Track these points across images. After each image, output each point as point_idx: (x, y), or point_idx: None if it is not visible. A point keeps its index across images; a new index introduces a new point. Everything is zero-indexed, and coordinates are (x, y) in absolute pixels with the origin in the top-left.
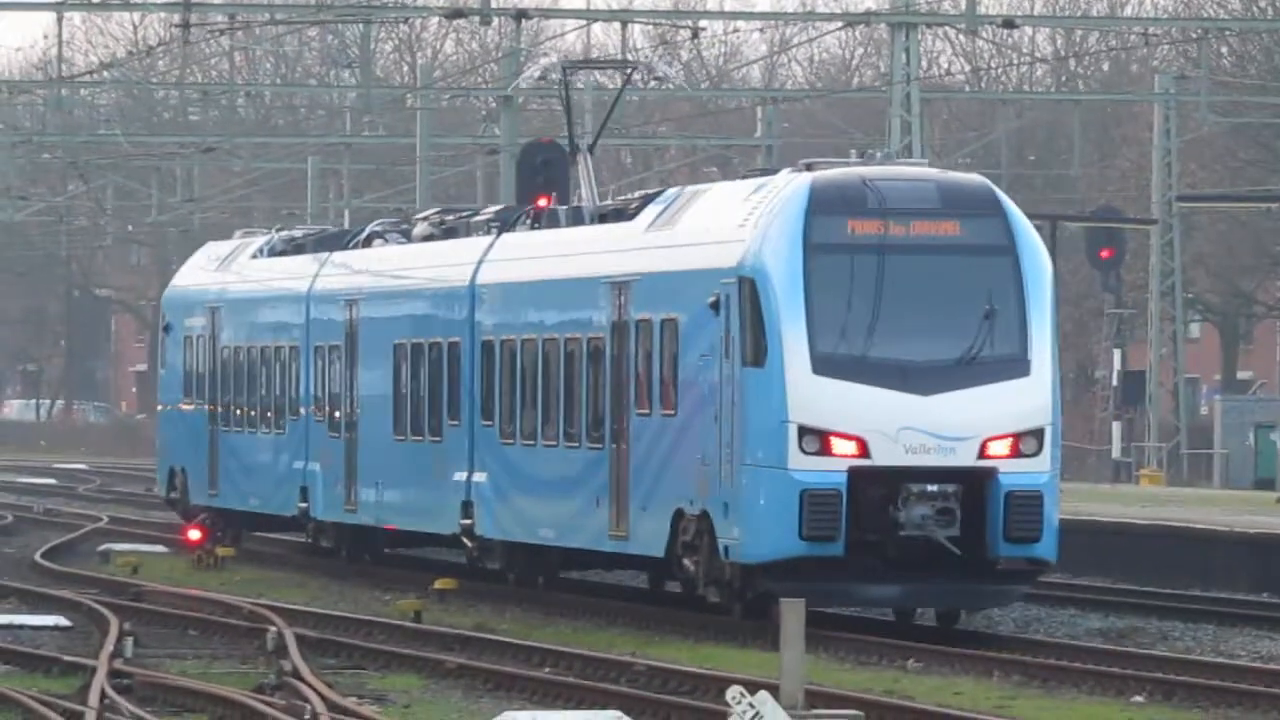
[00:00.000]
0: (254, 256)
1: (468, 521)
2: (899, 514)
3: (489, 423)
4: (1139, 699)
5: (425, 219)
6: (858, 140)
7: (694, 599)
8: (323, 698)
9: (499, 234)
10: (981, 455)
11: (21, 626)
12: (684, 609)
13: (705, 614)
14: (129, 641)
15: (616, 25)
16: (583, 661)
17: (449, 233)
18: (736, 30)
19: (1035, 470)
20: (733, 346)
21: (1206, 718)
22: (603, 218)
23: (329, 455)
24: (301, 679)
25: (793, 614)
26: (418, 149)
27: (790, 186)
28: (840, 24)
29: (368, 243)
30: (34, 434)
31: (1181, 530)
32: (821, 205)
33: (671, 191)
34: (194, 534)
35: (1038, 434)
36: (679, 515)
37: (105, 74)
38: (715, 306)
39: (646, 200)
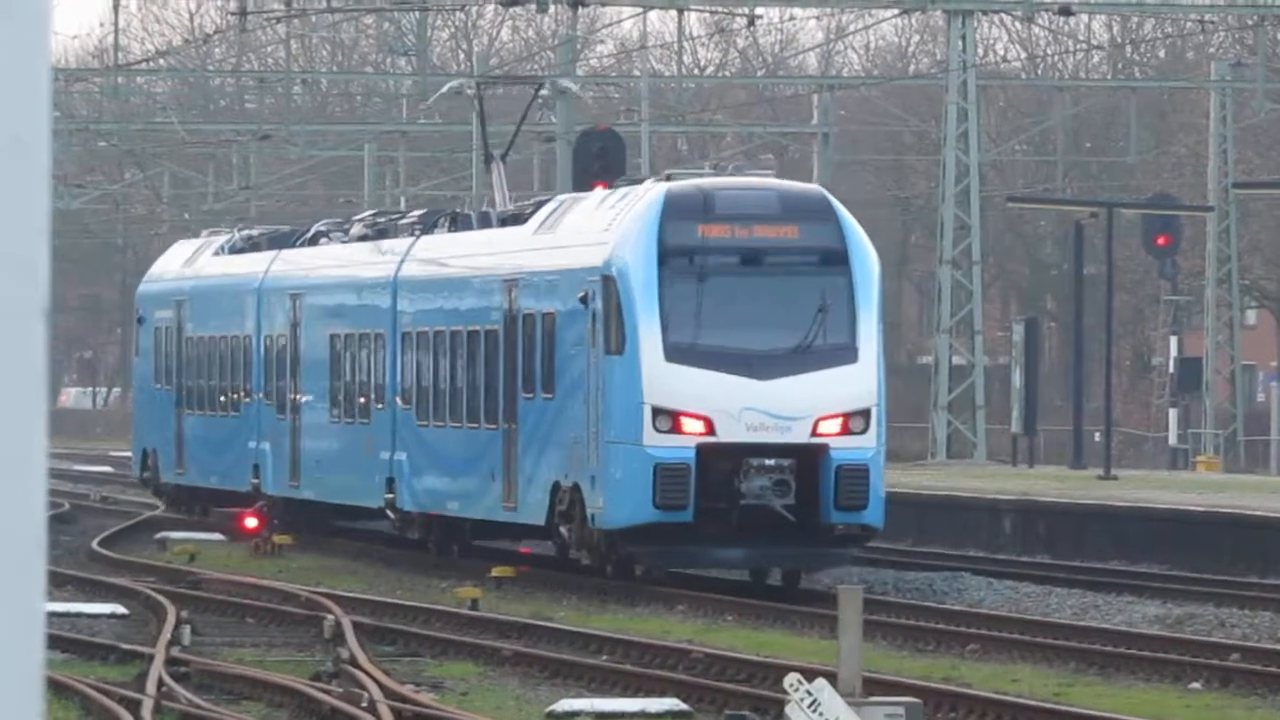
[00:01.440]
0: (216, 254)
1: (390, 496)
2: (741, 485)
3: (408, 406)
4: (1196, 686)
5: (361, 220)
6: (914, 127)
7: (570, 562)
8: (380, 685)
9: (420, 235)
10: (814, 433)
11: (79, 614)
12: (575, 573)
13: (762, 602)
14: (186, 629)
15: (673, 12)
16: (639, 649)
17: (380, 233)
18: (793, 17)
19: (863, 446)
20: (598, 337)
21: (1264, 705)
22: (504, 222)
23: (277, 436)
24: (358, 667)
25: (850, 602)
26: (474, 137)
27: (648, 195)
28: (897, 11)
29: (313, 241)
30: (91, 422)
31: (1239, 517)
32: (674, 211)
33: (558, 198)
34: (251, 522)
35: (865, 414)
36: (556, 487)
37: (161, 62)
38: (584, 301)
39: (538, 206)
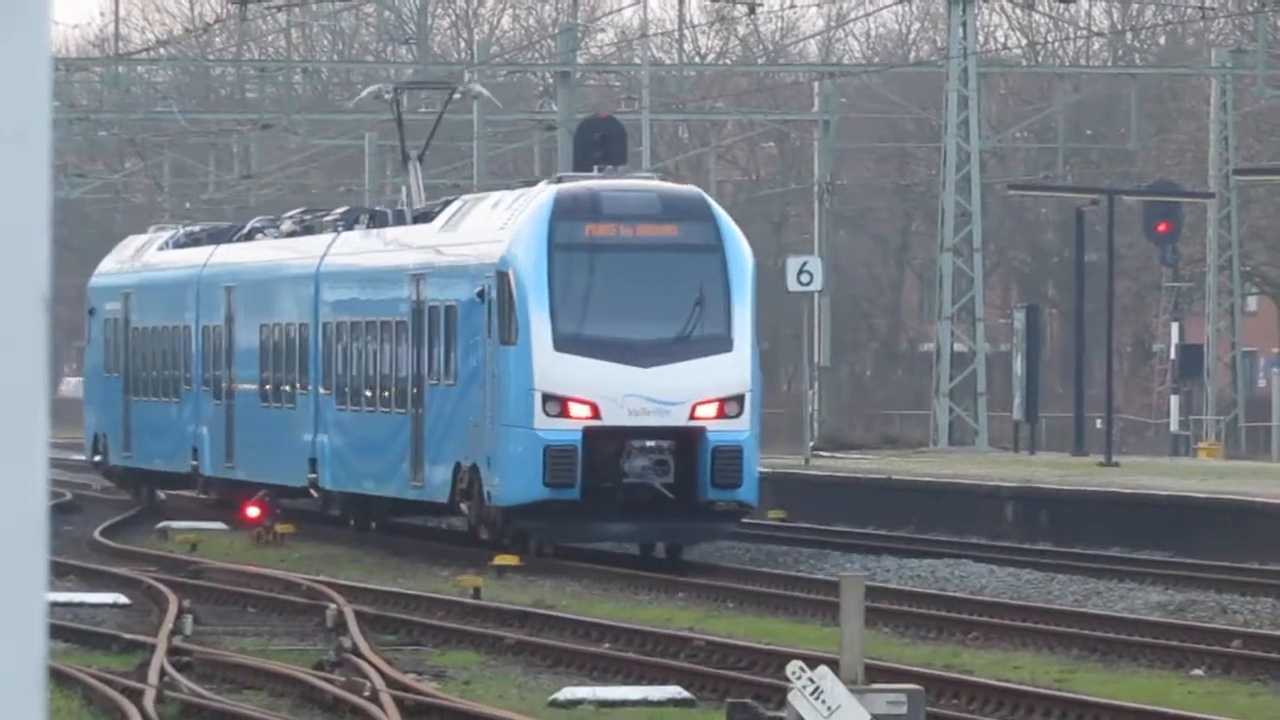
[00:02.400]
0: (161, 248)
1: (313, 476)
2: (624, 465)
3: (328, 393)
4: (1198, 672)
5: (291, 217)
6: (914, 114)
7: (471, 537)
8: (382, 674)
9: (341, 232)
10: (691, 417)
11: (81, 604)
12: (471, 545)
13: (764, 589)
14: (188, 619)
15: (674, 0)
16: (642, 637)
17: (307, 230)
18: (794, 5)
19: (737, 429)
20: (493, 328)
21: (1266, 691)
22: (415, 220)
23: (214, 420)
24: (361, 656)
25: (852, 589)
26: (474, 125)
27: (540, 196)
28: None
29: (249, 237)
30: None
31: (1240, 503)
32: (563, 212)
33: (462, 198)
34: (253, 511)
35: (739, 399)
36: (458, 467)
37: (162, 51)
38: (481, 295)
39: (445, 205)
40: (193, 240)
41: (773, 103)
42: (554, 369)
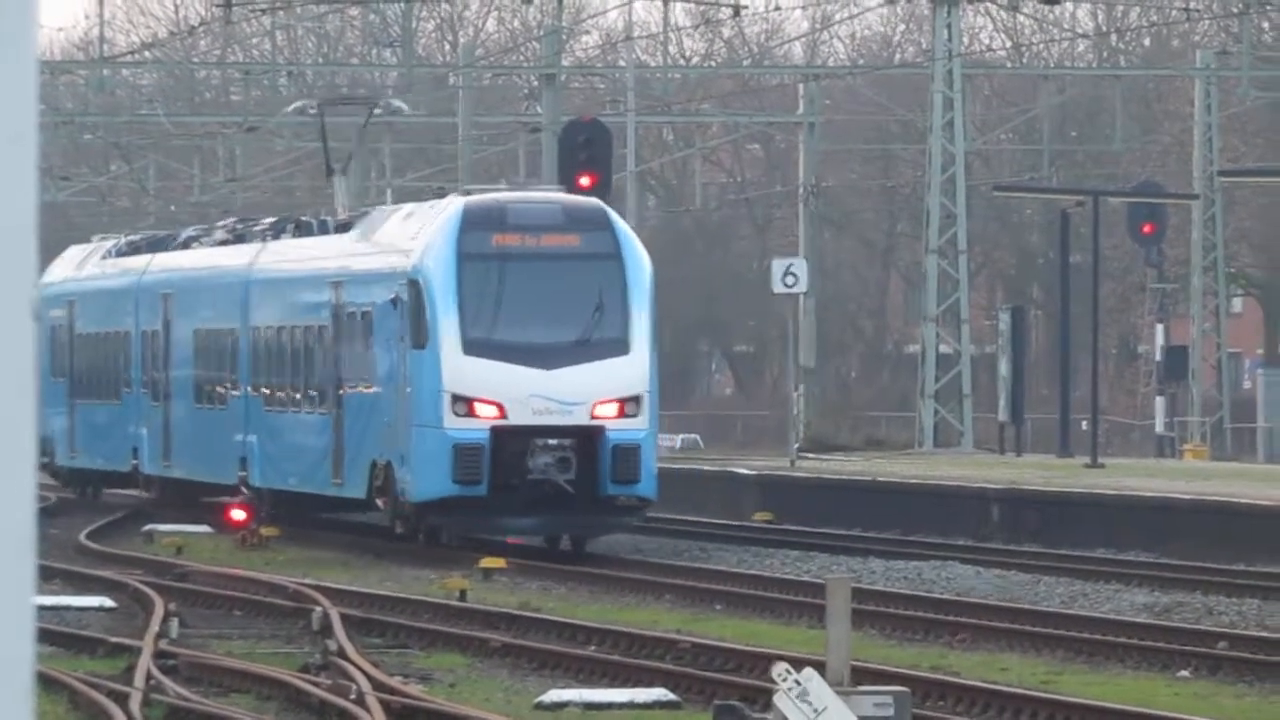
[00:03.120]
0: (104, 257)
1: (243, 474)
2: (529, 462)
3: (257, 394)
4: (1185, 674)
5: (223, 226)
6: (899, 116)
7: (388, 531)
8: (368, 677)
9: (269, 240)
10: (592, 416)
11: (67, 608)
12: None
13: (750, 591)
14: (174, 622)
15: (658, 2)
16: (628, 639)
17: (239, 238)
18: (778, 7)
19: (635, 428)
20: (405, 333)
21: (1252, 692)
22: (338, 229)
23: (153, 421)
24: (347, 658)
25: (838, 591)
26: (459, 128)
27: (449, 208)
28: (882, 0)
29: (185, 245)
30: None
31: (1225, 505)
32: (471, 222)
33: (379, 208)
34: (238, 514)
35: (637, 399)
36: (374, 465)
37: (147, 54)
38: (394, 302)
39: (363, 215)
40: (133, 249)
41: (758, 105)
42: (462, 371)
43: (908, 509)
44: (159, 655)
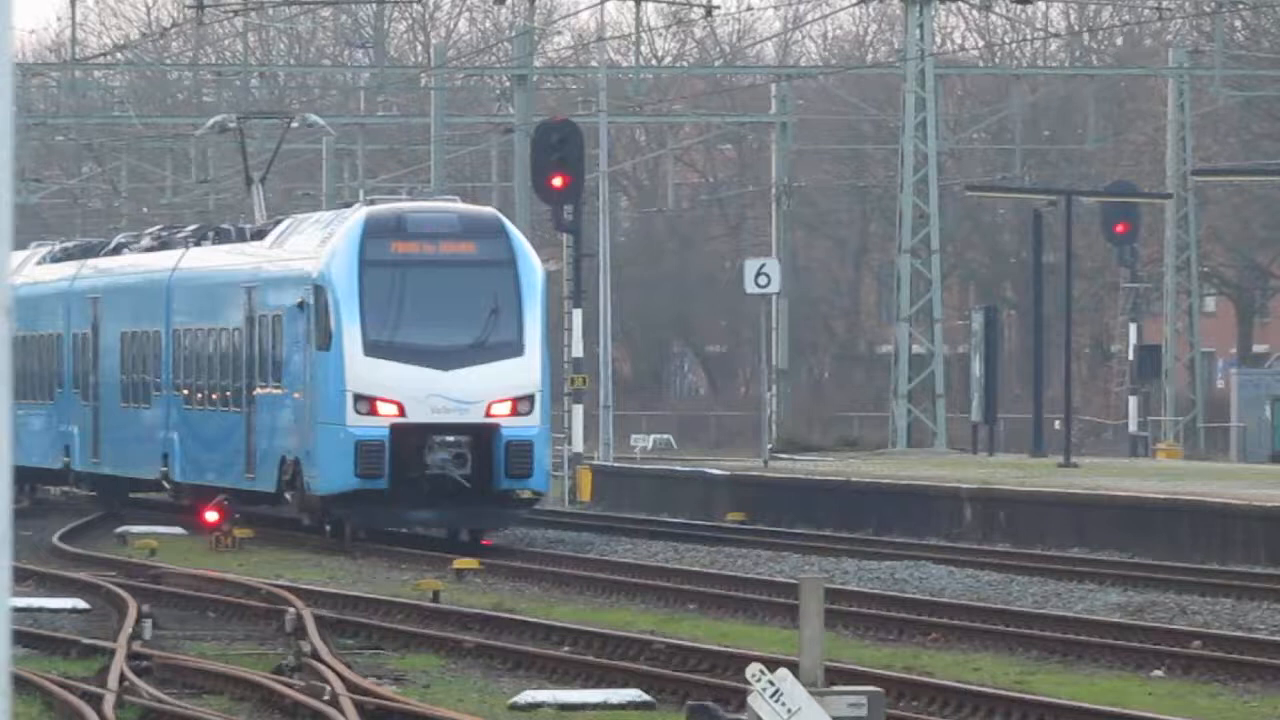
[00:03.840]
0: (39, 263)
1: (165, 469)
2: (427, 458)
3: (178, 393)
4: (1158, 673)
5: (150, 233)
6: (872, 116)
7: (297, 523)
8: (342, 678)
9: (190, 246)
10: (487, 414)
11: (40, 609)
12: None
13: (724, 592)
14: (148, 624)
15: (630, 3)
16: (602, 640)
17: (164, 245)
18: (750, 8)
19: (528, 425)
20: (311, 335)
21: (1225, 691)
22: (253, 236)
23: (83, 420)
24: (320, 660)
25: (811, 591)
26: (432, 129)
27: (353, 217)
28: (854, 0)
29: (115, 251)
30: None
31: (1199, 504)
32: (373, 230)
33: (292, 217)
34: (211, 515)
35: (530, 398)
36: (283, 461)
37: (119, 55)
38: (301, 306)
39: (276, 224)
40: (66, 255)
41: (730, 105)
42: (364, 372)
43: (881, 509)
44: (132, 657)
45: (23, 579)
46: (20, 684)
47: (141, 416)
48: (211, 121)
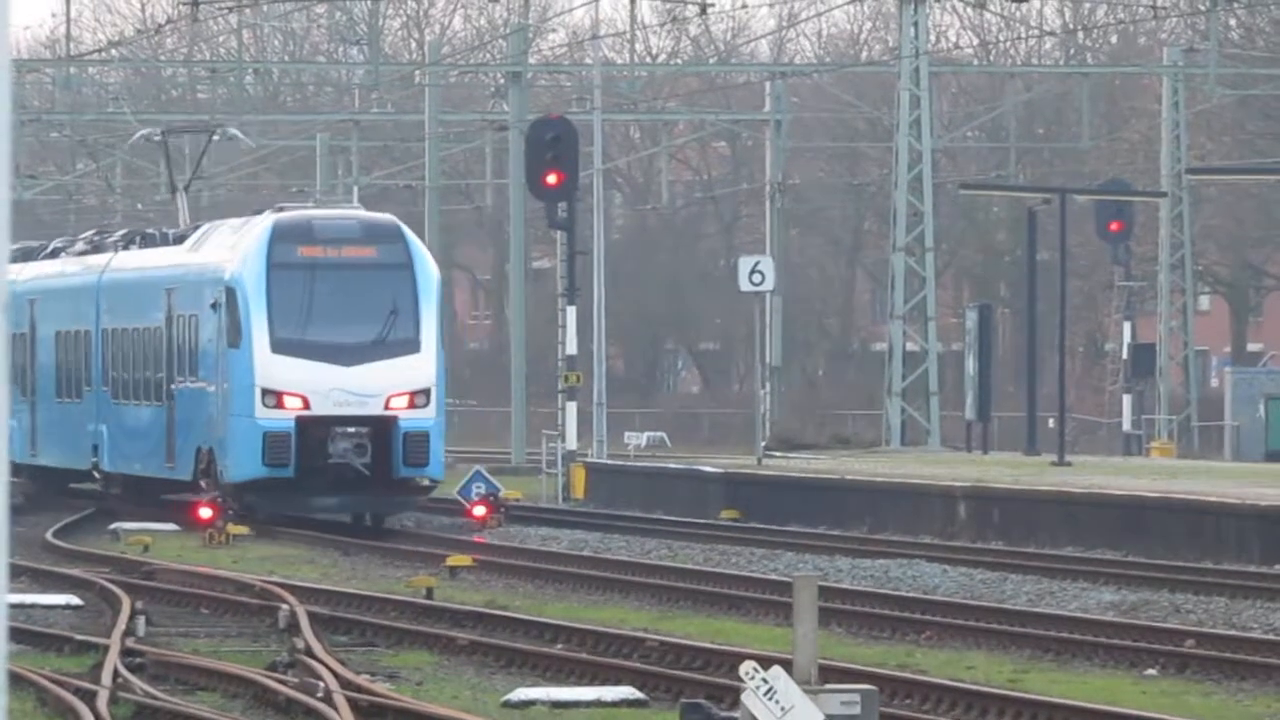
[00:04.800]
0: None
1: (96, 460)
2: (330, 448)
3: (107, 388)
4: (1152, 672)
5: (84, 238)
6: (866, 114)
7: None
8: (335, 675)
9: (119, 250)
10: (386, 407)
11: (34, 606)
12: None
13: (717, 589)
14: (141, 620)
15: (624, 0)
16: (595, 638)
17: (96, 249)
18: (745, 5)
19: (425, 417)
20: (223, 334)
21: (1219, 690)
22: (175, 241)
23: (20, 415)
24: (314, 657)
25: (805, 589)
26: (426, 125)
27: (262, 223)
28: None
29: (53, 255)
30: None
31: (1193, 503)
32: (280, 236)
33: (209, 223)
34: (205, 512)
35: (426, 392)
36: (199, 451)
37: (113, 52)
38: (215, 307)
39: (196, 229)
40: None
41: (724, 103)
42: (271, 368)
43: (874, 507)
44: (126, 653)
45: (16, 575)
46: (14, 680)
47: (74, 411)
48: (138, 135)
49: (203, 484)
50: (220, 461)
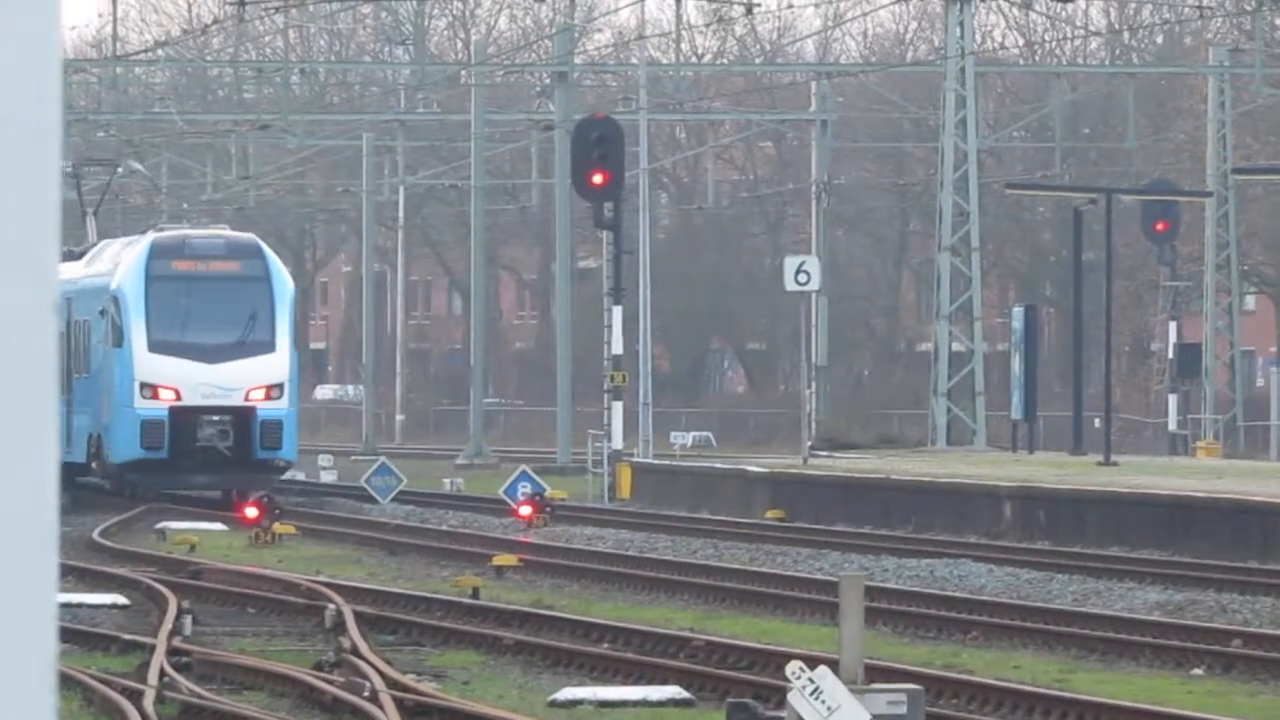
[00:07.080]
0: None
1: None
2: (199, 433)
3: None
4: (1198, 671)
5: None
6: (912, 114)
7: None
8: (381, 675)
9: None
10: (246, 399)
11: (80, 605)
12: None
13: (763, 589)
14: (187, 619)
15: (670, 0)
16: (641, 637)
17: None
18: (791, 5)
19: (279, 407)
20: (109, 336)
21: (1266, 690)
22: (77, 256)
23: None
24: (360, 656)
25: (851, 589)
26: (472, 125)
27: (143, 241)
28: None
29: None
30: None
31: (1238, 502)
32: (158, 252)
33: (105, 242)
34: (251, 511)
35: (280, 386)
36: (91, 436)
37: (159, 52)
38: (103, 313)
39: (94, 246)
40: None
41: (770, 103)
42: (149, 365)
43: (920, 507)
44: (172, 653)
45: (62, 574)
46: (60, 680)
47: None
48: (80, 153)
49: (94, 465)
50: (106, 445)
